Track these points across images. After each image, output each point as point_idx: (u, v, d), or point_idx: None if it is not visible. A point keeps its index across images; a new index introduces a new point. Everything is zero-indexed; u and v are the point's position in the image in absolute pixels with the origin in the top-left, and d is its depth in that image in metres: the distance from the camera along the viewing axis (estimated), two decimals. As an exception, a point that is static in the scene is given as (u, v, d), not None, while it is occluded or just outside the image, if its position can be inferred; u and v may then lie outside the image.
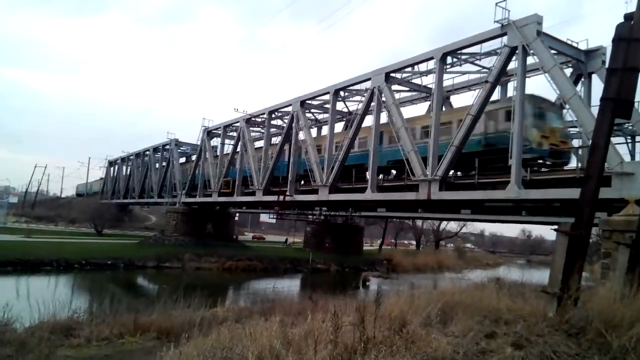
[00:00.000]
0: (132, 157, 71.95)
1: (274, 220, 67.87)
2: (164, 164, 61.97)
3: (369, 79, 28.80)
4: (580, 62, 21.80)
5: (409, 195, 25.17)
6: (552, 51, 20.19)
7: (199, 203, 52.63)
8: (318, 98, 35.49)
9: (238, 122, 44.36)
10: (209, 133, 50.79)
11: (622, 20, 7.50)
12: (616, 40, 7.48)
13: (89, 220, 65.91)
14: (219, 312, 14.62)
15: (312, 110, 38.54)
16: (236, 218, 70.17)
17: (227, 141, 49.09)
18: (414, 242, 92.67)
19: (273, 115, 41.16)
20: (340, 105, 34.84)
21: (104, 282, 36.77)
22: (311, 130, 37.29)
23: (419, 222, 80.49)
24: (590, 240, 8.35)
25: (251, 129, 44.37)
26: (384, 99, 27.22)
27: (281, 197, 35.91)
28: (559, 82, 18.75)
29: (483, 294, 9.33)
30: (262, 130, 43.65)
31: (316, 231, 62.04)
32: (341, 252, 57.09)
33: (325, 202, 34.34)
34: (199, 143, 52.71)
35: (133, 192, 69.37)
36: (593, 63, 21.55)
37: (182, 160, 61.58)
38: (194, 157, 55.84)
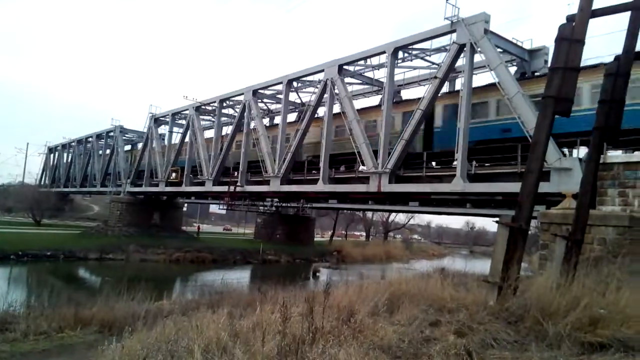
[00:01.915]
0: (73, 143, 68.60)
1: (224, 211, 66.78)
2: (107, 151, 59.52)
3: (322, 71, 28.81)
4: (525, 60, 22.74)
5: (360, 187, 25.48)
6: (498, 49, 20.93)
7: (145, 193, 51.00)
8: (271, 88, 35.13)
9: (187, 109, 43.18)
10: (156, 120, 49.17)
11: (564, 21, 7.86)
12: (559, 40, 7.83)
13: (26, 209, 62.37)
14: (165, 305, 14.23)
15: (265, 100, 38.12)
16: (185, 209, 68.50)
17: (175, 129, 47.69)
18: (364, 234, 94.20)
19: (224, 104, 40.38)
20: (293, 96, 34.66)
21: (42, 274, 34.94)
22: (263, 120, 36.92)
23: (369, 214, 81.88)
24: (529, 233, 8.74)
25: (201, 117, 43.35)
26: (336, 91, 27.32)
27: (232, 188, 35.41)
28: (504, 79, 19.45)
29: (428, 283, 9.57)
30: (213, 119, 42.74)
31: (267, 222, 61.73)
32: (292, 243, 57.18)
33: (276, 193, 34.18)
34: (145, 131, 50.95)
35: (74, 180, 66.23)
36: (536, 62, 22.54)
37: (128, 148, 59.40)
38: (140, 145, 53.97)
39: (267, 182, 32.26)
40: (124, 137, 58.04)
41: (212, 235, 67.72)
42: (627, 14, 8.29)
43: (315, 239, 68.61)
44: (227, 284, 21.27)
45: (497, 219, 7.95)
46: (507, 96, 18.90)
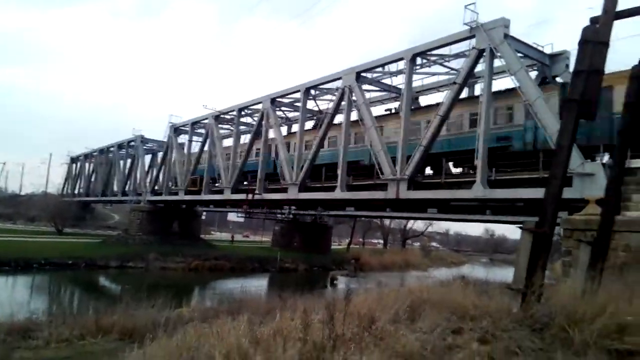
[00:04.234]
0: (95, 153, 69.87)
1: (242, 219, 67.18)
2: (129, 160, 60.43)
3: (339, 78, 28.89)
4: (545, 65, 22.44)
5: (378, 194, 25.37)
6: (519, 54, 20.71)
7: (165, 201, 51.60)
8: (289, 96, 35.34)
9: (207, 119, 43.71)
10: (176, 130, 49.86)
11: (588, 23, 7.74)
12: (582, 43, 7.69)
13: (49, 219, 63.61)
14: (185, 313, 14.31)
15: (283, 108, 38.37)
16: (203, 217, 69.16)
17: (195, 138, 48.31)
18: (381, 241, 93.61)
19: (243, 113, 40.76)
20: (311, 104, 34.81)
21: (64, 282, 35.54)
22: (281, 128, 37.15)
23: (386, 221, 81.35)
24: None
25: (220, 126, 43.81)
26: (354, 98, 27.34)
27: (250, 196, 35.59)
28: (525, 84, 19.24)
29: (449, 291, 9.43)
30: (232, 128, 43.15)
31: (285, 230, 61.80)
32: (309, 251, 57.06)
33: (294, 201, 34.25)
34: (165, 140, 51.66)
35: (96, 189, 67.35)
36: (557, 67, 22.21)
37: (148, 157, 60.31)
38: (160, 154, 54.74)
39: (284, 190, 32.33)
40: (145, 147, 58.91)
41: (236, 243, 68.14)
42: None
43: (332, 247, 68.35)
44: (245, 292, 21.35)
45: (521, 224, 7.82)
46: (528, 101, 18.68)
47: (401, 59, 25.37)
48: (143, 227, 51.66)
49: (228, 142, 43.74)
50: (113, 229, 67.95)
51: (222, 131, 44.66)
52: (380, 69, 28.38)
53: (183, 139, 50.44)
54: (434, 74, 27.86)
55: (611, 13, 7.58)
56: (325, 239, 63.73)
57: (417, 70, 26.44)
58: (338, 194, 27.65)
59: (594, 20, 7.72)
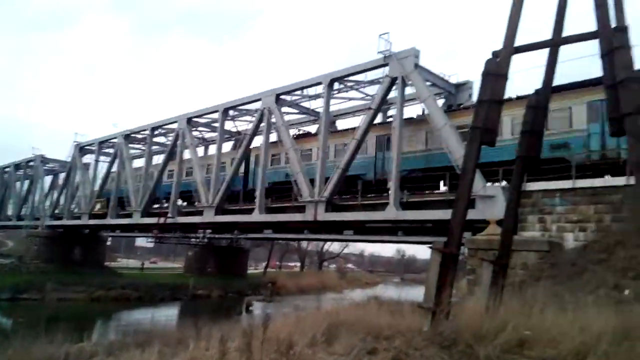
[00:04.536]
0: (-13, 173, 63.26)
1: (151, 245, 63.84)
2: (27, 182, 55.42)
3: (259, 100, 28.89)
4: (451, 94, 24.16)
5: (296, 217, 25.41)
6: (428, 83, 22.12)
7: (66, 226, 47.70)
8: (206, 116, 34.65)
9: (116, 137, 41.39)
10: (82, 149, 46.64)
11: (490, 56, 8.41)
12: (484, 75, 8.36)
13: None
14: (87, 347, 13.17)
15: (200, 129, 37.48)
16: (108, 242, 64.72)
17: (103, 158, 45.41)
18: (298, 264, 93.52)
19: (156, 132, 39.18)
20: (229, 125, 34.37)
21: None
22: (197, 149, 36.21)
23: (304, 244, 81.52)
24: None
25: (131, 146, 41.71)
26: (273, 119, 27.41)
27: (162, 220, 33.99)
28: (433, 111, 20.49)
29: (365, 312, 9.59)
30: (144, 148, 41.22)
31: (199, 255, 59.45)
32: (225, 276, 55.38)
33: (210, 224, 33.26)
34: (69, 160, 48.07)
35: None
36: (462, 95, 24.07)
37: (49, 178, 55.70)
38: (63, 175, 50.77)
39: (200, 213, 31.33)
40: (46, 167, 54.37)
41: (147, 270, 64.13)
42: (546, 50, 9.01)
43: (249, 271, 67.06)
44: (155, 322, 20.19)
45: (431, 244, 8.15)
46: (436, 127, 19.87)
47: (319, 83, 25.98)
48: (40, 255, 47.24)
49: (140, 162, 41.72)
50: (6, 257, 61.28)
51: (133, 151, 42.51)
52: (299, 92, 28.78)
53: (89, 158, 47.19)
54: (350, 99, 28.80)
55: (510, 48, 8.30)
56: (241, 263, 62.36)
57: (334, 95, 27.17)
58: (256, 216, 27.31)
59: (495, 53, 8.41)
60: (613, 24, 7.23)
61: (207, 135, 39.20)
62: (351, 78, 25.74)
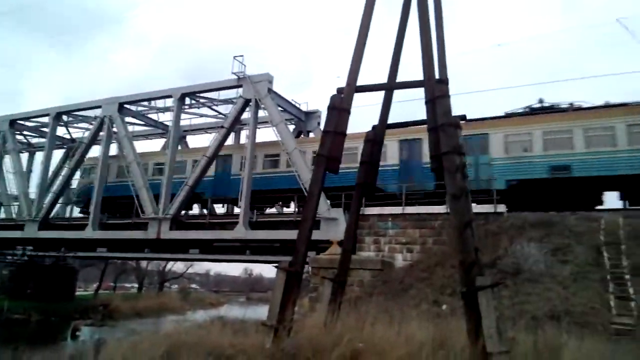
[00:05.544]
0: None
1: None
2: None
3: (99, 107, 26.74)
4: (301, 120, 25.43)
5: (137, 234, 23.87)
6: (280, 108, 22.94)
7: None
8: (34, 119, 30.81)
9: None
10: None
11: (335, 92, 9.16)
12: (330, 109, 9.08)
13: None
14: None
15: (25, 133, 33.07)
16: None
17: None
18: (136, 285, 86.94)
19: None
20: (62, 131, 31.03)
21: None
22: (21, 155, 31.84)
23: (143, 263, 76.24)
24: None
25: None
26: (115, 129, 25.58)
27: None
28: (284, 136, 21.27)
29: (207, 332, 9.43)
30: None
31: (16, 275, 51.53)
32: (48, 299, 48.73)
33: (32, 240, 29.31)
34: None
35: None
36: (311, 123, 25.53)
37: None
38: None
39: (20, 227, 27.48)
40: None
41: None
42: (382, 92, 10.15)
43: (78, 293, 60.19)
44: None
45: (277, 264, 8.43)
46: (286, 151, 20.64)
47: (169, 96, 25.14)
48: None
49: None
50: None
51: None
52: (146, 103, 27.40)
53: None
54: (202, 116, 28.35)
55: (352, 87, 9.17)
56: (68, 285, 55.37)
57: (185, 110, 26.49)
58: (89, 232, 24.98)
59: (339, 90, 9.20)
60: (437, 77, 8.48)
61: (34, 140, 34.75)
62: (204, 95, 25.45)
